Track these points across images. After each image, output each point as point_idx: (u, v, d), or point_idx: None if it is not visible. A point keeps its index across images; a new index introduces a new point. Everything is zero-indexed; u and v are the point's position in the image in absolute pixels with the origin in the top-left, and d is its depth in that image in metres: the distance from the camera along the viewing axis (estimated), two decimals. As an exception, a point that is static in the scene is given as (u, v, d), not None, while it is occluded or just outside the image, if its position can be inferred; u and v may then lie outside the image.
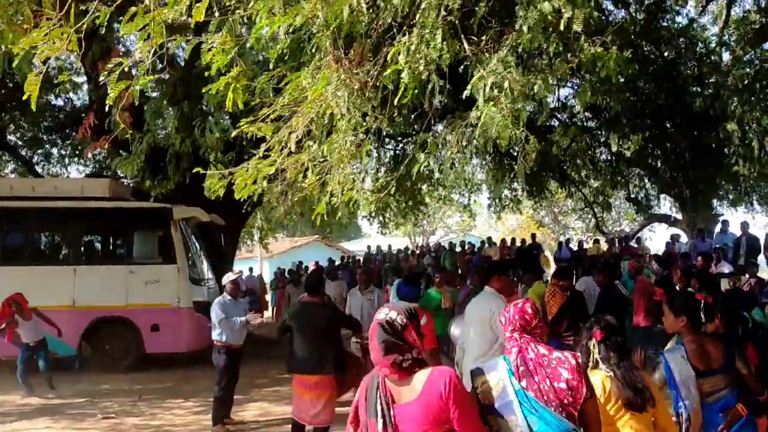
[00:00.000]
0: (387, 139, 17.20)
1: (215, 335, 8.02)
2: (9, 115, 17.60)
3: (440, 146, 4.44)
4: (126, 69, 4.84)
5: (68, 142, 19.09)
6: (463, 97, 3.88)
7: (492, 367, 3.07)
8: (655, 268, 11.85)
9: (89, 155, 17.07)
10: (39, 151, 19.97)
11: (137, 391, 10.39)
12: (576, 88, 14.78)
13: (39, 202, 12.26)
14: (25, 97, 4.64)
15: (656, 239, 34.33)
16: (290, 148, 4.51)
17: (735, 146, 13.70)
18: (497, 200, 18.19)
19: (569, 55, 3.96)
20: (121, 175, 14.60)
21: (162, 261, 12.31)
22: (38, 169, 19.90)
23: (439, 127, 9.35)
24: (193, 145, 10.03)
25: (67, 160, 20.74)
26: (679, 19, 15.20)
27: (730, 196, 17.89)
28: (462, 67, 4.14)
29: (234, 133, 5.13)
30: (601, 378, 3.42)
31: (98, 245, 14.16)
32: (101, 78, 4.53)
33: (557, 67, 4.02)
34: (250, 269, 23.63)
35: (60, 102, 18.69)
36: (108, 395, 10.19)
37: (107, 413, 9.01)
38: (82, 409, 9.29)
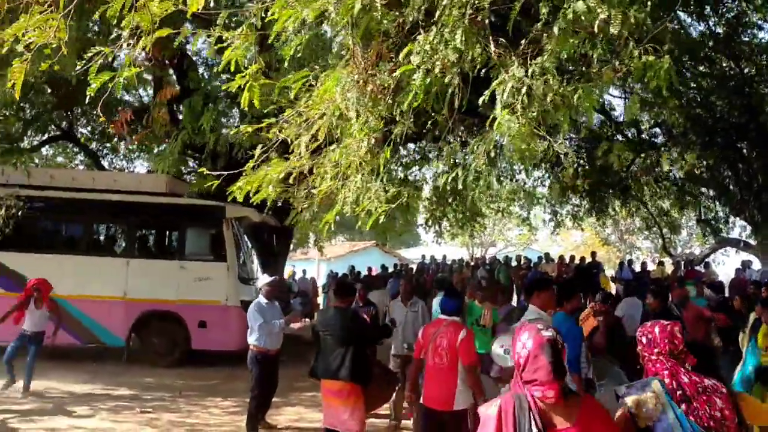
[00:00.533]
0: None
1: (252, 340, 7.92)
2: (81, 108, 18.07)
3: (467, 158, 4.15)
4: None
5: (134, 136, 19.54)
6: (480, 103, 3.60)
7: (645, 388, 2.94)
8: (707, 295, 11.19)
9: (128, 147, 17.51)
10: (107, 144, 20.51)
11: (179, 387, 10.46)
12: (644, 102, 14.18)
13: (97, 195, 12.55)
14: (9, 85, 4.59)
15: (729, 264, 32.68)
16: (300, 152, 4.32)
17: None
18: (554, 215, 17.66)
19: (617, 62, 3.65)
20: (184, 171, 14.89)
21: (213, 258, 12.43)
22: (105, 163, 20.46)
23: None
24: (229, 144, 10.04)
25: (134, 154, 21.27)
26: (762, 34, 14.34)
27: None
28: (485, 71, 3.81)
29: (232, 132, 4.97)
30: None
31: (151, 239, 14.40)
32: (78, 67, 4.44)
33: (602, 75, 3.68)
34: (303, 271, 23.71)
35: (129, 98, 19.13)
36: (151, 389, 10.29)
37: (146, 407, 9.07)
38: (122, 401, 9.39)
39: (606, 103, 14.93)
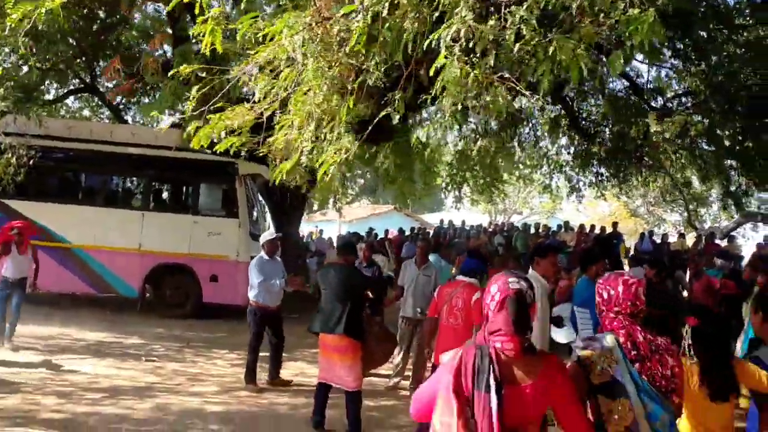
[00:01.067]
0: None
1: (252, 296, 8.03)
2: (105, 61, 18.08)
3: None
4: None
5: (159, 92, 19.50)
6: (423, 48, 3.45)
7: (599, 345, 2.90)
8: (719, 264, 10.99)
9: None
10: (132, 100, 20.56)
11: (187, 338, 10.65)
12: (672, 68, 13.77)
13: (114, 147, 12.67)
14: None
15: (759, 239, 31.91)
16: (255, 99, 4.24)
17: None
18: (569, 181, 17.30)
19: (601, 15, 3.46)
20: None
21: (225, 214, 12.58)
22: (128, 117, 20.56)
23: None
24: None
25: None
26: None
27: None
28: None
29: (171, 73, 4.83)
30: (688, 365, 3.56)
31: (166, 193, 14.54)
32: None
33: (582, 29, 3.49)
34: (321, 231, 23.85)
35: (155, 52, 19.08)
36: (161, 339, 10.50)
37: (152, 356, 9.25)
38: (130, 350, 9.59)
39: (634, 69, 14.51)
